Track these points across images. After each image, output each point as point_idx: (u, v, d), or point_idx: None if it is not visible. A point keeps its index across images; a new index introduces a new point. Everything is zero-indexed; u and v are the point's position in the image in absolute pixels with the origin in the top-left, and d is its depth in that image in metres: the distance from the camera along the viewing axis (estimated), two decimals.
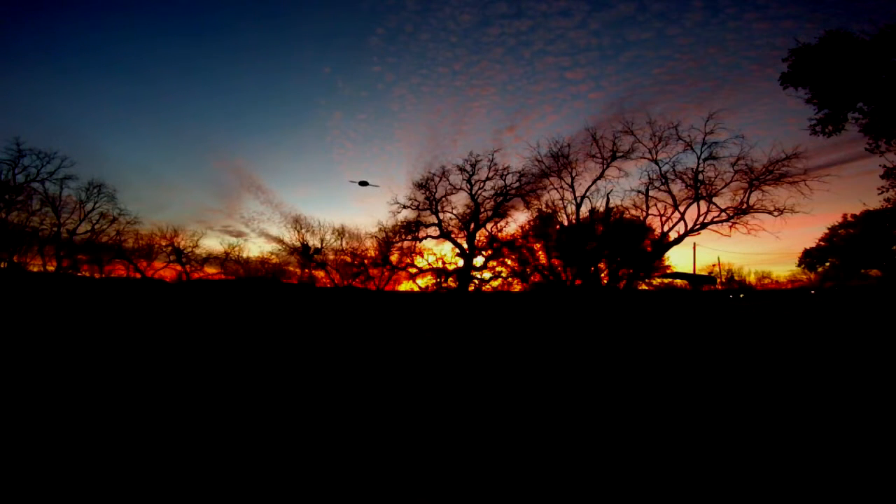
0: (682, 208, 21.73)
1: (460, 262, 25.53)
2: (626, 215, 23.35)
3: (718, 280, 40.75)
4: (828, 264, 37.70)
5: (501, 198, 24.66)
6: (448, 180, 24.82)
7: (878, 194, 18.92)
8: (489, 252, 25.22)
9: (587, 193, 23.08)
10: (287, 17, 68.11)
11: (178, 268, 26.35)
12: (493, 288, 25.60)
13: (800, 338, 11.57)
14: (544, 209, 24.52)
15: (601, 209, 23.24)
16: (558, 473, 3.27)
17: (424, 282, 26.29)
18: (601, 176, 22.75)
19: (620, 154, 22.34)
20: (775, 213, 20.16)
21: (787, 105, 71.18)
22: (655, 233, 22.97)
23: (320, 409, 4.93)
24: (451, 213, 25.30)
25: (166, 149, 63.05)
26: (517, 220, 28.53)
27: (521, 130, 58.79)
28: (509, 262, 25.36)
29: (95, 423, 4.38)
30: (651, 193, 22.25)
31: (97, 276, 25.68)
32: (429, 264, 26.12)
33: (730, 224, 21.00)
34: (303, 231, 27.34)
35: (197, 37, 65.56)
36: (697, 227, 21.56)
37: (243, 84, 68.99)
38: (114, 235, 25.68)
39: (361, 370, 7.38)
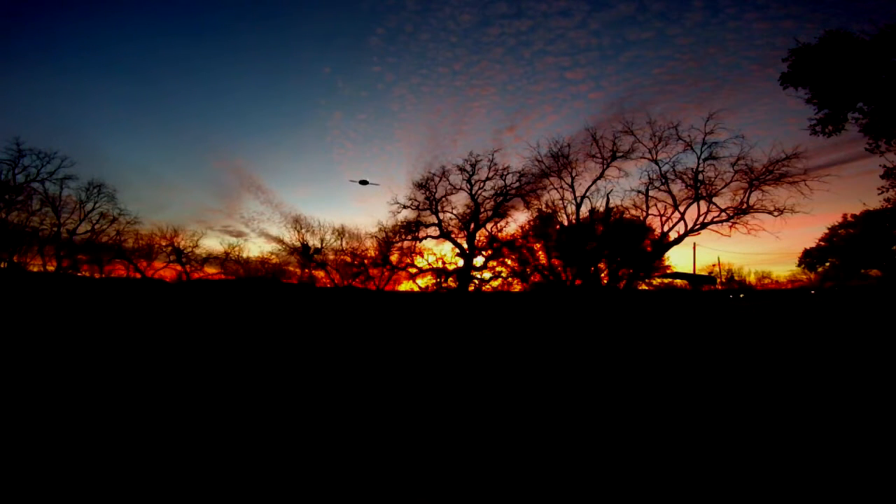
0: (682, 208, 21.77)
1: (460, 262, 25.56)
2: (626, 215, 23.39)
3: (718, 280, 40.75)
4: (828, 264, 37.68)
5: (501, 198, 24.69)
6: (448, 180, 24.87)
7: (878, 194, 18.95)
8: (489, 252, 25.23)
9: (587, 193, 23.12)
10: (287, 17, 68.15)
11: (178, 268, 26.42)
12: (493, 288, 25.62)
13: (800, 338, 11.57)
14: (544, 209, 24.55)
15: (601, 209, 23.26)
16: (558, 473, 3.27)
17: (424, 282, 26.33)
18: (601, 176, 22.78)
19: (620, 154, 22.37)
20: (775, 213, 20.19)
21: (787, 105, 71.19)
22: (655, 233, 22.99)
23: (320, 409, 4.93)
24: (451, 213, 25.34)
25: (166, 149, 63.16)
26: (517, 220, 28.52)
27: (521, 130, 58.84)
28: (509, 262, 25.39)
29: (95, 422, 4.38)
30: (651, 193, 22.29)
31: (97, 276, 25.71)
32: (429, 264, 26.15)
33: (730, 224, 21.04)
34: (303, 231, 27.39)
35: (197, 37, 65.61)
36: (697, 227, 21.58)
37: (243, 84, 69.07)
38: (114, 235, 25.75)
39: (361, 370, 7.38)
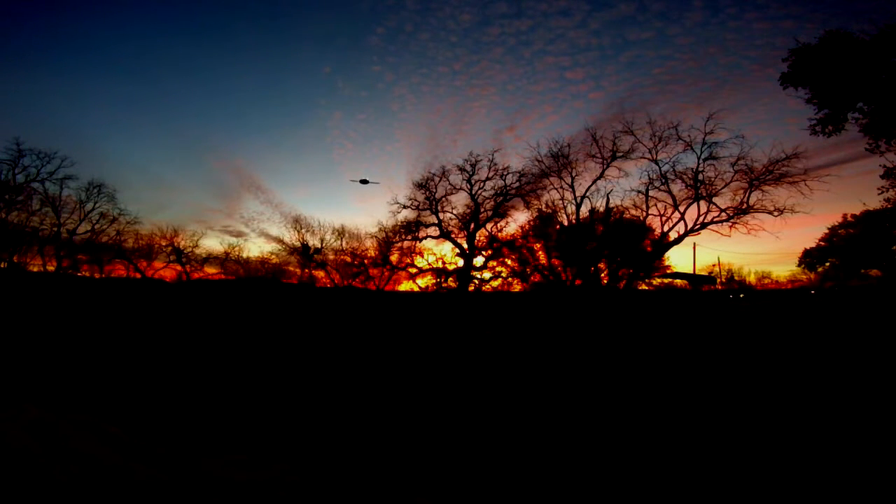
0: (682, 208, 21.76)
1: (460, 262, 25.55)
2: (626, 215, 23.39)
3: (718, 280, 40.71)
4: (828, 264, 37.63)
5: (501, 198, 24.68)
6: (448, 180, 24.87)
7: (878, 194, 18.96)
8: (489, 252, 25.23)
9: (587, 193, 23.11)
10: (287, 17, 68.01)
11: (178, 268, 26.42)
12: (493, 288, 25.62)
13: (800, 337, 11.57)
14: (544, 209, 24.55)
15: (601, 209, 23.26)
16: (557, 473, 3.27)
17: (424, 282, 26.33)
18: (601, 176, 22.77)
19: (620, 154, 22.36)
20: (775, 213, 20.19)
21: (787, 105, 70.94)
22: (655, 233, 22.99)
23: (320, 409, 4.93)
24: (451, 213, 25.34)
25: (166, 149, 63.08)
26: (517, 220, 28.44)
27: (521, 130, 58.73)
28: (509, 262, 25.39)
29: (95, 422, 4.38)
30: (651, 193, 22.29)
31: (97, 276, 25.73)
32: (429, 264, 26.15)
33: (730, 224, 21.04)
34: (303, 231, 27.39)
35: (197, 37, 65.39)
36: (697, 227, 21.57)
37: (243, 84, 68.87)
38: (114, 235, 25.77)
39: (361, 370, 7.38)
